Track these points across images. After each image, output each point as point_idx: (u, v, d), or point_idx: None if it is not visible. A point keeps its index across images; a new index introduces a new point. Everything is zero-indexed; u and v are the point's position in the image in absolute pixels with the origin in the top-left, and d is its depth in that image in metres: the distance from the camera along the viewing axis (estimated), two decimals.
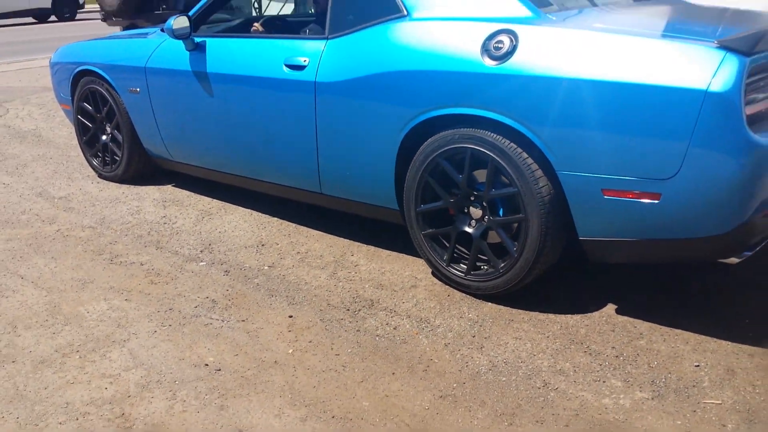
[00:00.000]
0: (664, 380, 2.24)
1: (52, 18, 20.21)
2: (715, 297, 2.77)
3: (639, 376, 2.27)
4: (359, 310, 2.72)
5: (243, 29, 3.98)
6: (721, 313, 2.64)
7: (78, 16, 20.97)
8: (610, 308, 2.71)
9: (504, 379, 2.26)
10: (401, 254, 3.20)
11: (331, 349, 2.45)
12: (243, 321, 2.64)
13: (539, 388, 2.21)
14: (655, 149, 2.24)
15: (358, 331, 2.57)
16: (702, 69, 2.15)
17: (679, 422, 2.04)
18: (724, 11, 3.08)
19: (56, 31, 16.46)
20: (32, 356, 2.40)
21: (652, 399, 2.15)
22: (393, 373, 2.30)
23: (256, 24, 3.93)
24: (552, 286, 2.86)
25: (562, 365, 2.33)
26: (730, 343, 2.44)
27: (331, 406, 2.13)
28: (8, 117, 6.78)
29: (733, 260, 2.42)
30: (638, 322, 2.60)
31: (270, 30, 3.93)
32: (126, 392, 2.19)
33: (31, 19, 20.15)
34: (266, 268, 3.11)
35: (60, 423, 2.04)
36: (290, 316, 2.68)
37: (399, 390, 2.21)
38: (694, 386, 2.21)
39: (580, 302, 2.75)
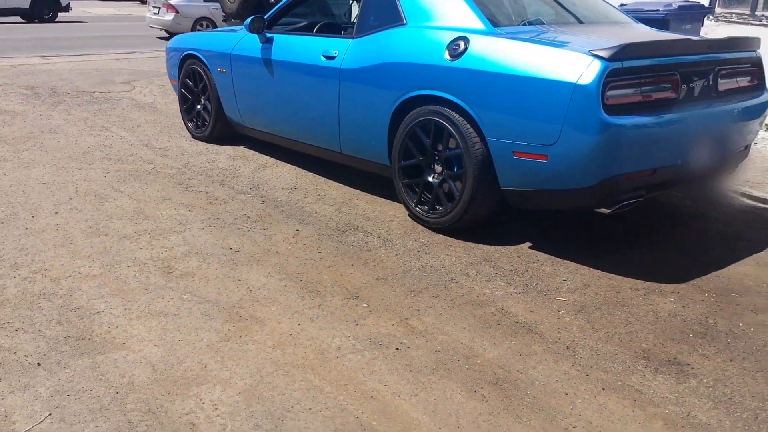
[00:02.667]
0: (535, 284, 3.19)
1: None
2: (602, 242, 3.67)
3: (518, 281, 3.23)
4: (346, 231, 3.81)
5: (302, 29, 5.15)
6: (603, 253, 3.54)
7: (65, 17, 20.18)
8: (526, 244, 3.66)
9: (425, 274, 3.28)
10: (392, 201, 4.25)
11: (317, 249, 3.55)
12: (264, 229, 3.79)
13: (446, 281, 3.21)
14: (544, 122, 3.20)
15: (340, 242, 3.66)
16: (575, 68, 3.09)
17: (528, 305, 3.00)
18: (626, 29, 3.97)
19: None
20: (118, 233, 3.64)
21: (519, 293, 3.11)
22: (352, 265, 3.37)
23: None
24: (490, 228, 3.83)
25: (469, 271, 3.33)
26: (598, 270, 3.34)
27: (303, 276, 3.22)
28: (134, 92, 8.33)
29: (605, 210, 3.33)
30: (541, 254, 3.54)
31: (320, 30, 5.08)
32: (174, 256, 3.38)
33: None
34: (292, 201, 4.26)
35: (128, 266, 3.25)
36: (297, 230, 3.80)
37: (351, 273, 3.27)
38: (554, 290, 3.15)
39: (506, 239, 3.71)
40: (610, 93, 3.08)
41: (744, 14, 6.91)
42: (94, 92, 8.11)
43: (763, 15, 6.82)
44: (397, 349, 2.61)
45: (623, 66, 3.10)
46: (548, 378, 2.46)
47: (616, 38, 3.45)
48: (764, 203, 4.50)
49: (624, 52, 3.09)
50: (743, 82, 3.81)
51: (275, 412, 2.20)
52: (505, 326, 2.81)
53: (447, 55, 3.56)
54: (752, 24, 6.79)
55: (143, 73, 9.92)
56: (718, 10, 7.12)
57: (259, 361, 2.48)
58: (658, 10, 6.16)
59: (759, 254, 3.63)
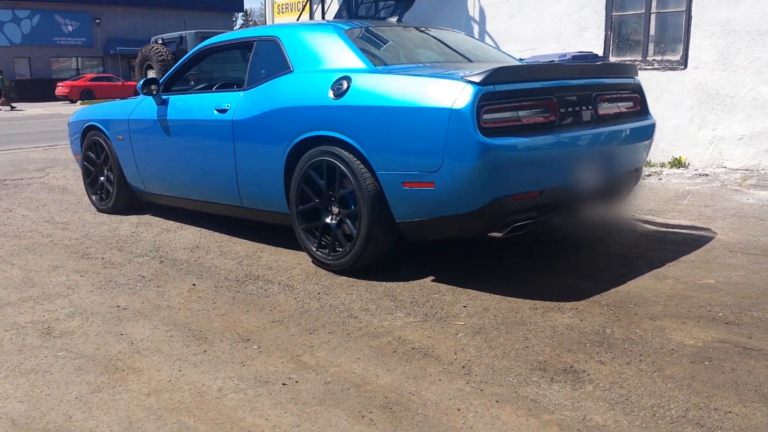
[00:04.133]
0: (434, 313, 3.12)
1: None
2: (503, 270, 3.64)
3: (418, 311, 3.15)
4: (246, 281, 3.68)
5: (199, 89, 5.14)
6: (504, 279, 3.51)
7: None
8: (428, 278, 3.60)
9: (323, 313, 3.17)
10: (297, 252, 4.15)
11: (212, 301, 3.40)
12: (158, 287, 3.63)
13: (344, 317, 3.11)
14: (427, 150, 3.20)
15: (238, 291, 3.52)
16: (449, 94, 3.13)
17: (426, 332, 2.91)
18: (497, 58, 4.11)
19: None
20: (1, 301, 3.42)
21: (418, 322, 3.02)
22: (247, 311, 3.24)
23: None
24: (393, 267, 3.76)
25: (369, 306, 3.23)
26: (499, 295, 3.30)
27: (192, 325, 3.07)
28: (46, 178, 8.11)
29: (497, 235, 3.31)
30: (443, 285, 3.48)
31: (218, 89, 5.07)
32: (56, 318, 3.18)
33: None
34: (192, 259, 4.12)
35: (5, 331, 3.04)
36: (193, 284, 3.66)
37: (245, 319, 3.13)
38: (453, 316, 3.08)
39: (408, 276, 3.65)
40: (485, 116, 3.12)
41: (636, 60, 7.27)
42: (5, 180, 7.87)
43: (654, 59, 7.19)
44: (283, 384, 2.47)
45: (496, 90, 3.16)
46: (441, 396, 2.36)
47: (482, 64, 3.54)
48: (666, 227, 4.59)
49: (495, 76, 3.15)
50: (624, 107, 3.94)
51: None
52: (401, 353, 2.71)
53: (331, 95, 3.58)
54: (645, 68, 7.14)
55: (60, 161, 9.72)
56: (612, 58, 7.48)
57: (131, 409, 2.30)
58: (554, 60, 6.42)
59: (658, 269, 3.66)
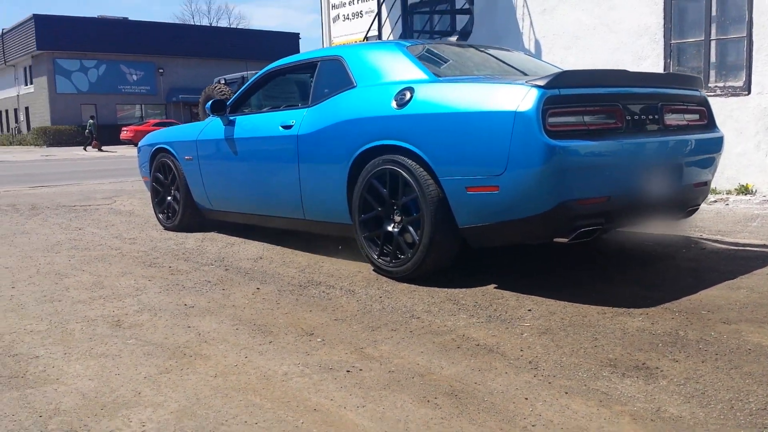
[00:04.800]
0: (498, 315, 3.08)
1: None
2: (568, 280, 3.58)
3: (481, 313, 3.11)
4: (308, 286, 3.71)
5: (265, 110, 5.28)
6: (569, 288, 3.44)
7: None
8: (491, 285, 3.56)
9: (385, 314, 3.16)
10: (358, 261, 4.18)
11: (276, 302, 3.44)
12: (223, 290, 3.69)
13: (406, 318, 3.10)
14: (491, 153, 3.21)
15: (300, 295, 3.56)
16: (514, 98, 3.15)
17: (490, 331, 2.87)
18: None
19: None
20: (72, 300, 3.53)
21: (482, 322, 2.99)
22: (310, 311, 3.26)
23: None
24: (454, 275, 3.74)
25: (431, 309, 3.21)
26: (564, 301, 3.24)
27: (257, 321, 3.10)
28: (114, 204, 8.41)
29: (563, 240, 3.27)
30: (507, 292, 3.44)
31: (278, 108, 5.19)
32: (125, 313, 3.26)
33: None
34: (256, 268, 4.18)
35: (76, 323, 3.13)
36: (258, 288, 3.71)
37: (308, 317, 3.15)
38: (518, 318, 3.03)
39: (470, 283, 3.62)
40: (551, 119, 3.11)
41: None
42: (74, 206, 8.19)
43: (716, 86, 7.07)
44: (348, 371, 2.47)
45: (561, 93, 3.16)
46: (507, 387, 2.31)
47: (539, 71, 3.55)
48: (736, 246, 4.45)
49: (560, 79, 3.16)
50: (691, 119, 3.88)
51: (207, 425, 2.04)
52: (465, 349, 2.68)
53: (394, 105, 3.64)
54: (708, 95, 7.00)
55: (126, 192, 10.07)
56: None
57: (198, 388, 2.33)
58: None
59: (731, 281, 3.54)
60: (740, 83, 6.87)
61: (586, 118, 3.26)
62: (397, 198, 3.68)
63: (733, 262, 3.96)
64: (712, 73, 7.14)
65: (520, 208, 3.21)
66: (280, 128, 4.40)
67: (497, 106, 3.20)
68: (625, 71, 3.52)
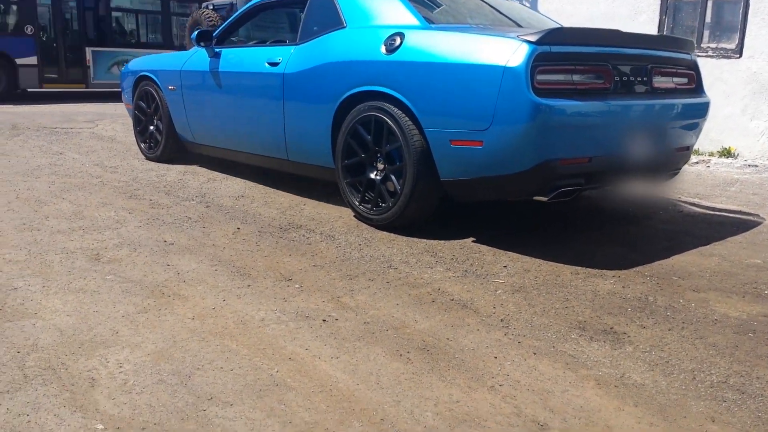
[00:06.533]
0: (474, 270, 3.13)
1: None
2: (545, 237, 3.63)
3: (458, 267, 3.16)
4: (289, 229, 3.73)
5: (252, 44, 5.18)
6: (545, 245, 3.49)
7: None
8: (470, 239, 3.60)
9: (363, 262, 3.20)
10: (339, 206, 4.19)
11: (256, 244, 3.46)
12: (203, 227, 3.70)
13: (384, 267, 3.13)
14: (477, 108, 3.19)
15: (281, 237, 3.57)
16: (504, 52, 3.11)
17: (465, 287, 2.92)
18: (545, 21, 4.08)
19: None
20: (51, 229, 3.52)
21: (457, 277, 3.04)
22: (290, 255, 3.28)
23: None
24: (435, 226, 3.78)
25: (409, 260, 3.25)
26: (540, 259, 3.29)
27: (237, 263, 3.13)
28: (96, 128, 8.28)
29: (543, 199, 3.30)
30: (484, 246, 3.49)
31: (266, 42, 5.11)
32: (105, 247, 3.27)
33: None
34: (237, 206, 4.18)
35: (55, 254, 3.13)
36: (238, 228, 3.72)
37: (287, 261, 3.18)
38: (493, 275, 3.08)
39: (450, 235, 3.65)
40: (539, 77, 3.09)
41: None
42: (56, 128, 8.06)
43: (708, 47, 7.03)
44: (324, 320, 2.51)
45: (551, 50, 3.13)
46: (478, 345, 2.37)
47: (535, 24, 3.50)
48: (713, 210, 4.52)
49: (551, 36, 3.12)
50: (680, 82, 3.87)
51: (183, 370, 2.08)
52: (440, 303, 2.73)
53: (384, 50, 3.58)
54: (700, 56, 6.97)
55: (109, 115, 9.91)
56: None
57: (176, 330, 2.37)
58: None
59: (704, 247, 3.61)
60: (733, 45, 6.83)
61: (575, 77, 3.25)
62: (381, 145, 3.67)
63: (709, 227, 4.03)
64: (706, 33, 7.09)
65: (503, 165, 3.23)
66: (267, 65, 4.33)
67: (486, 59, 3.16)
68: (618, 31, 3.49)
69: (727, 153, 6.80)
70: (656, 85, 3.65)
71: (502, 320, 2.58)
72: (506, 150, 3.16)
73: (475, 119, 3.20)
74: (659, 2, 7.38)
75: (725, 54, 6.87)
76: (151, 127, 5.65)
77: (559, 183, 3.26)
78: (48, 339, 2.23)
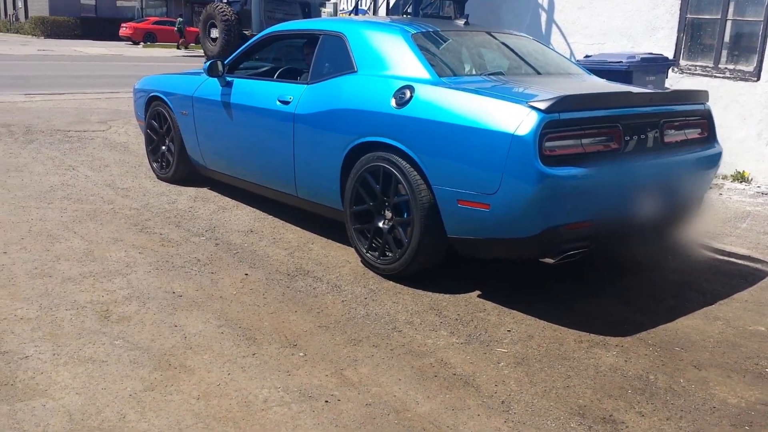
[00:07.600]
0: (478, 335, 3.15)
1: None
2: (552, 292, 3.64)
3: (462, 331, 3.19)
4: (296, 276, 3.77)
5: (263, 74, 5.18)
6: (551, 303, 3.51)
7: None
8: (475, 293, 3.63)
9: (368, 322, 3.24)
10: (347, 246, 4.22)
11: (263, 295, 3.50)
12: (212, 273, 3.74)
13: (389, 329, 3.17)
14: (485, 171, 3.20)
15: (288, 287, 3.61)
16: (513, 119, 3.11)
17: (468, 356, 2.95)
18: (577, 81, 4.01)
19: None
20: (63, 275, 3.59)
21: (461, 343, 3.07)
22: (295, 312, 3.32)
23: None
24: (441, 276, 3.80)
25: (413, 320, 3.29)
26: (544, 321, 3.31)
27: (242, 322, 3.17)
28: (108, 132, 8.33)
29: (550, 260, 3.31)
30: (489, 303, 3.51)
31: (281, 75, 5.09)
32: (114, 300, 3.33)
33: None
34: (246, 245, 4.22)
35: (66, 310, 3.19)
36: (246, 274, 3.76)
37: (293, 320, 3.23)
38: (496, 341, 3.11)
39: (455, 288, 3.68)
40: (548, 144, 3.09)
41: (707, 66, 7.04)
42: (69, 131, 8.11)
43: (726, 68, 6.95)
44: (326, 401, 2.55)
45: (560, 117, 3.12)
46: None
47: (561, 90, 3.48)
48: (722, 254, 4.51)
49: (561, 103, 3.11)
50: (692, 134, 3.85)
51: None
52: (442, 378, 2.76)
53: (394, 103, 3.59)
54: (716, 76, 6.92)
55: (121, 113, 9.94)
56: (682, 62, 7.25)
57: (181, 413, 2.42)
58: (621, 61, 6.25)
59: (709, 307, 3.61)
60: (750, 68, 6.75)
61: (584, 141, 3.25)
62: (389, 196, 3.69)
63: (715, 278, 4.03)
64: (724, 53, 6.99)
65: (509, 229, 3.24)
66: (278, 102, 4.34)
67: (496, 124, 3.16)
68: (629, 92, 3.47)
69: (740, 177, 6.75)
70: (668, 139, 3.64)
71: (503, 402, 2.62)
72: (513, 215, 3.17)
73: (482, 183, 3.21)
74: (677, 20, 7.29)
75: (743, 76, 6.79)
76: (163, 147, 5.69)
77: (566, 247, 3.27)
78: (58, 425, 2.29)
